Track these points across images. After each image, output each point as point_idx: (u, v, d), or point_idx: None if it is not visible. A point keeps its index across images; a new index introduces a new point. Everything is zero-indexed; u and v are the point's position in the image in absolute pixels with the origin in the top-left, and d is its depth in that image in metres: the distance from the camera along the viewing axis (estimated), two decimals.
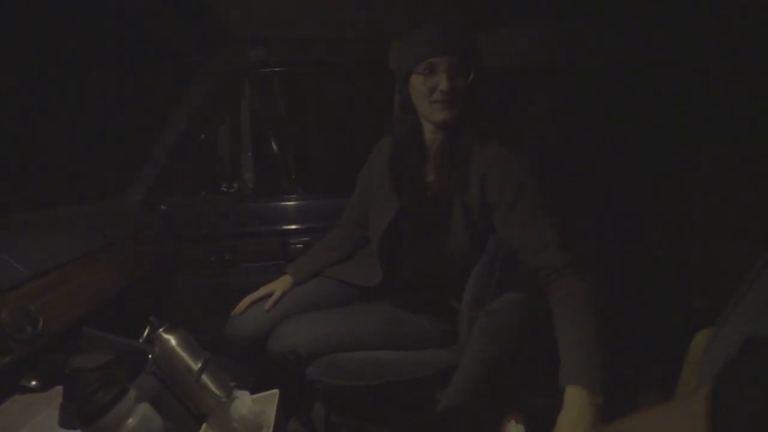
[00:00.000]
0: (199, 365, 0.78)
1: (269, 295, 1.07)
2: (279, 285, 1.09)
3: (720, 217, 1.48)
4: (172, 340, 0.78)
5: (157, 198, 1.45)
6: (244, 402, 0.81)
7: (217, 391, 0.78)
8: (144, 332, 0.84)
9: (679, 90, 1.51)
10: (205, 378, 0.78)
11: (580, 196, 1.47)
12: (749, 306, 0.34)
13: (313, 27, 1.40)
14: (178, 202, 1.50)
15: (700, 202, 1.55)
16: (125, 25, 1.38)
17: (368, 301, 1.10)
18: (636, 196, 1.55)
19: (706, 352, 0.36)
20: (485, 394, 0.95)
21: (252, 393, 0.85)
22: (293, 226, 1.50)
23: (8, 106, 1.45)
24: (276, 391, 0.88)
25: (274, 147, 1.64)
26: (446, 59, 0.86)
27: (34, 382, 0.78)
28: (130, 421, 0.65)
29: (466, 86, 0.88)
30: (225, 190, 1.55)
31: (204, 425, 0.78)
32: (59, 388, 0.75)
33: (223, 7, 1.25)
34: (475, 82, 0.89)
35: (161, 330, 0.79)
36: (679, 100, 1.51)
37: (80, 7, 1.43)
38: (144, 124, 1.54)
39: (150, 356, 0.79)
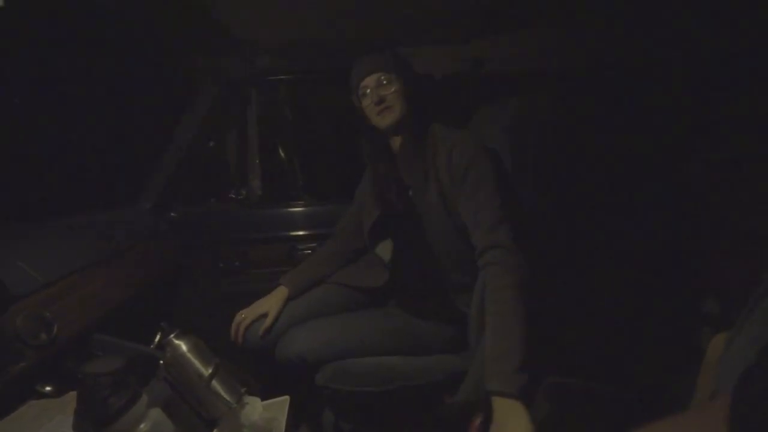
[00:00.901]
0: (210, 371, 0.78)
1: (263, 314, 1.07)
2: (274, 302, 1.08)
3: (730, 219, 1.46)
4: (183, 346, 0.79)
5: (166, 205, 1.46)
6: (255, 408, 0.81)
7: (227, 397, 0.78)
8: (155, 338, 0.85)
9: (678, 90, 1.50)
10: (215, 383, 0.78)
11: (580, 197, 1.46)
12: (766, 311, 0.33)
13: (321, 33, 1.41)
14: (188, 209, 1.51)
15: (710, 203, 1.53)
16: (135, 35, 1.41)
17: (376, 306, 1.10)
18: (637, 197, 1.54)
19: (722, 358, 0.35)
20: None
21: (262, 399, 0.85)
22: (301, 232, 1.51)
23: (22, 117, 1.48)
24: (287, 397, 0.88)
25: (282, 154, 1.65)
26: (370, 78, 1.02)
27: (48, 388, 0.79)
28: (142, 426, 0.65)
29: (397, 92, 1.01)
30: (233, 197, 1.56)
31: (215, 431, 0.78)
32: (73, 394, 0.75)
33: (231, 14, 1.27)
34: (409, 88, 1.02)
35: (172, 335, 0.79)
36: (679, 99, 1.50)
37: (91, 16, 1.46)
38: (153, 132, 1.56)
39: (161, 362, 0.79)
